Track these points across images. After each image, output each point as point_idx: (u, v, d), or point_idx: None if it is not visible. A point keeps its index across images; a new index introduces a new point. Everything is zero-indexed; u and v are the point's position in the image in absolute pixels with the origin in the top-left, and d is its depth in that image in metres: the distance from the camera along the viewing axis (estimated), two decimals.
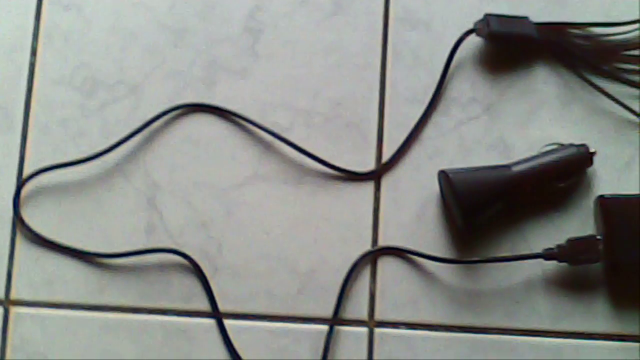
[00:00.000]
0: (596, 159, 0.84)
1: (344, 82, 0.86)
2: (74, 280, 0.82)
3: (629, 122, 0.85)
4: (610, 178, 0.84)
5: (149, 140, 0.85)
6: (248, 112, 0.86)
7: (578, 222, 0.83)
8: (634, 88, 0.86)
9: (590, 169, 0.84)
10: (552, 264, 0.82)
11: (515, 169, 0.81)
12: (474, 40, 0.87)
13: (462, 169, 0.81)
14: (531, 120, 0.85)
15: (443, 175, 0.81)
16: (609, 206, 0.81)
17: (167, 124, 0.86)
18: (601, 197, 0.82)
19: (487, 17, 0.85)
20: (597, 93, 0.86)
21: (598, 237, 0.80)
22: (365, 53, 0.87)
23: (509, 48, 0.87)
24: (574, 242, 0.80)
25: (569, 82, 0.86)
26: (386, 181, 0.85)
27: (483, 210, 0.80)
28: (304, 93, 0.86)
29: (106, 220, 0.84)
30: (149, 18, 0.88)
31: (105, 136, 0.85)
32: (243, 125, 0.86)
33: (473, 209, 0.80)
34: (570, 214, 0.83)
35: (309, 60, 0.87)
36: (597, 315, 0.81)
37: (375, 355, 0.80)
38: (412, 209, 0.84)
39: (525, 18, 0.86)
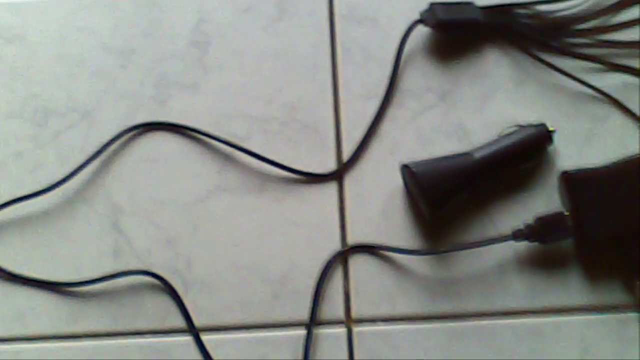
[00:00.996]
0: (556, 135, 0.84)
1: (296, 86, 0.86)
2: (46, 311, 0.82)
3: (584, 95, 0.86)
4: (572, 153, 0.85)
5: (107, 164, 0.85)
6: (203, 125, 0.86)
7: (544, 200, 0.84)
8: (585, 61, 0.86)
9: (551, 147, 0.83)
10: (522, 244, 0.82)
11: (477, 155, 0.82)
12: (421, 31, 0.87)
13: (423, 160, 0.81)
14: (487, 104, 0.86)
15: (405, 169, 0.81)
16: (573, 181, 0.81)
17: (124, 145, 0.86)
18: (564, 172, 0.82)
19: (432, 6, 0.86)
20: (550, 70, 0.86)
21: (566, 212, 0.79)
22: (315, 54, 0.87)
23: (457, 34, 0.87)
24: (542, 220, 0.81)
25: (521, 62, 0.87)
26: (349, 180, 0.85)
27: (448, 199, 0.81)
28: (258, 100, 0.86)
29: (72, 249, 0.83)
30: (94, 42, 0.88)
31: (62, 164, 0.85)
32: (200, 139, 0.86)
33: (438, 200, 0.80)
34: (535, 192, 0.84)
35: (259, 67, 0.87)
36: (572, 290, 0.82)
37: (355, 354, 0.80)
38: (377, 205, 0.84)
39: (470, 3, 0.86)
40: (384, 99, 0.86)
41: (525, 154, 0.83)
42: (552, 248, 0.83)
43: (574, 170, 0.82)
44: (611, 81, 0.87)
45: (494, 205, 0.84)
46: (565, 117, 0.86)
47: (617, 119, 0.86)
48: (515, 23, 0.87)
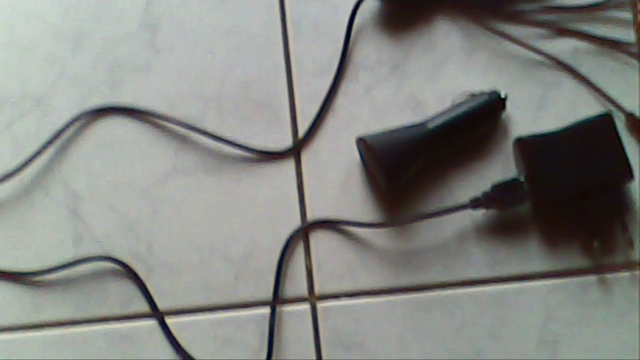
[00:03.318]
0: (509, 102, 0.86)
1: (249, 64, 0.87)
2: (8, 302, 0.82)
3: (536, 62, 0.87)
4: (525, 119, 0.86)
5: (62, 150, 0.85)
6: (158, 107, 0.86)
7: (500, 167, 0.85)
8: (535, 27, 0.86)
9: (504, 113, 0.84)
10: (481, 213, 0.82)
11: (431, 124, 0.82)
12: (371, 4, 0.88)
13: (378, 132, 0.82)
14: (439, 74, 0.86)
15: (361, 142, 0.82)
16: (526, 147, 0.83)
17: (78, 131, 0.86)
18: (518, 139, 0.83)
19: None
20: (501, 38, 0.86)
21: (521, 178, 0.80)
22: (266, 31, 0.88)
23: (407, 6, 0.88)
24: (498, 187, 0.82)
25: (471, 31, 0.87)
26: (306, 156, 0.85)
27: (405, 170, 0.81)
28: (211, 80, 0.87)
29: (32, 238, 0.83)
30: (43, 28, 0.87)
31: (17, 153, 0.85)
32: (155, 122, 0.86)
33: (395, 171, 0.81)
34: (491, 160, 0.85)
35: (211, 46, 0.87)
36: (532, 256, 0.83)
37: (321, 330, 0.81)
38: (335, 180, 0.84)
39: None
40: (337, 74, 0.87)
41: (479, 121, 0.85)
42: (510, 215, 0.84)
43: (527, 136, 0.83)
44: (562, 46, 0.88)
45: (451, 175, 0.85)
46: (517, 84, 0.87)
47: (569, 83, 0.87)
48: None
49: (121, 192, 0.85)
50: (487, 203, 0.82)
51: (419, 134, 0.82)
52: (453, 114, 0.83)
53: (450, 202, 0.84)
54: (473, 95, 0.84)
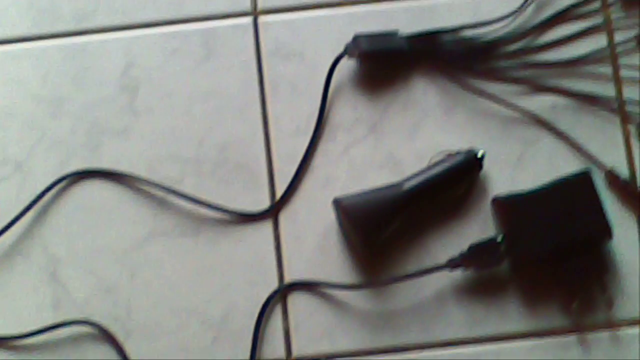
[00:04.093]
0: (487, 160, 0.85)
1: (227, 125, 0.87)
2: None
3: (514, 119, 0.87)
4: (504, 177, 0.86)
5: (42, 214, 0.86)
6: (136, 170, 0.87)
7: (479, 226, 0.85)
8: (512, 84, 0.86)
9: (483, 172, 0.84)
10: (459, 273, 0.81)
11: (406, 185, 0.82)
12: (349, 63, 0.87)
13: (353, 194, 0.82)
14: (417, 133, 0.86)
15: (336, 204, 0.82)
16: (504, 206, 0.82)
17: (58, 195, 0.86)
18: (495, 198, 0.83)
19: (356, 38, 0.87)
20: (478, 96, 0.86)
21: (498, 238, 0.80)
22: (244, 92, 0.88)
23: (384, 65, 0.87)
24: (475, 248, 0.82)
25: (449, 89, 0.87)
26: (284, 217, 0.85)
27: (381, 232, 0.82)
28: (189, 142, 0.87)
29: (11, 302, 0.84)
30: (23, 93, 0.88)
31: None
32: (134, 185, 0.86)
33: (370, 233, 0.81)
34: (470, 219, 0.85)
35: (189, 108, 0.88)
36: (511, 316, 0.82)
37: None
38: (313, 241, 0.84)
39: (394, 32, 0.86)
40: (314, 134, 0.87)
41: (455, 182, 0.84)
42: (488, 275, 0.84)
43: (504, 195, 0.83)
44: (540, 103, 0.87)
45: (430, 235, 0.84)
46: (495, 141, 0.86)
47: (548, 140, 0.87)
48: (441, 50, 0.87)
49: (100, 255, 0.85)
50: (465, 263, 0.82)
51: (395, 195, 0.82)
52: (429, 175, 0.83)
53: (428, 262, 0.84)
54: (450, 155, 0.83)
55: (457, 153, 0.84)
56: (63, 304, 0.85)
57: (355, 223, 0.81)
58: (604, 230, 0.82)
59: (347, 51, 0.87)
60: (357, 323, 0.83)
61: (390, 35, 0.87)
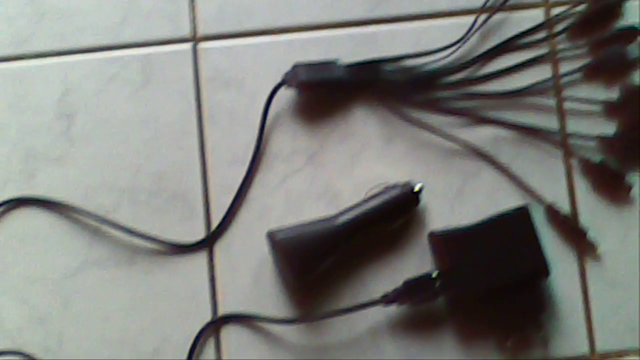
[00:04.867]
0: (426, 193, 0.84)
1: (164, 154, 0.86)
2: None
3: (455, 150, 0.85)
4: (443, 210, 0.84)
5: None
6: (72, 198, 0.86)
7: (416, 261, 0.84)
8: (453, 116, 0.85)
9: (422, 205, 0.83)
10: (394, 308, 0.80)
11: (340, 219, 0.81)
12: (288, 92, 0.86)
13: (288, 227, 0.81)
14: (355, 164, 0.85)
15: (270, 238, 0.81)
16: (440, 241, 0.81)
17: None
18: (431, 233, 0.82)
19: (295, 67, 0.85)
20: (418, 127, 0.84)
21: (433, 274, 0.79)
22: (181, 120, 0.87)
23: (323, 94, 0.86)
24: (409, 284, 0.81)
25: (389, 120, 0.86)
26: (219, 248, 0.84)
27: (313, 267, 0.81)
28: (125, 171, 0.86)
29: None
30: None
31: None
32: (68, 213, 0.84)
33: (303, 268, 0.81)
34: (407, 253, 0.84)
35: (126, 136, 0.87)
36: (446, 352, 0.83)
37: None
38: (248, 273, 0.84)
39: (334, 62, 0.85)
40: (251, 164, 0.86)
41: (391, 215, 0.83)
42: (424, 310, 0.82)
43: (441, 230, 0.82)
44: (482, 135, 0.86)
45: (366, 269, 0.84)
46: (435, 174, 0.85)
47: (488, 173, 0.86)
48: (381, 80, 0.85)
49: (33, 284, 0.84)
50: (399, 299, 0.81)
51: (329, 229, 0.82)
52: (364, 209, 0.82)
53: (364, 297, 0.83)
54: (387, 187, 0.82)
55: (395, 186, 0.82)
56: None
57: (288, 258, 0.80)
58: (541, 268, 0.81)
59: (285, 80, 0.85)
60: (291, 357, 0.83)
61: (329, 65, 0.86)
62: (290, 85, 0.86)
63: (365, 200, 0.83)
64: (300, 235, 0.81)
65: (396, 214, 0.84)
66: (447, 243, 0.82)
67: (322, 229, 0.82)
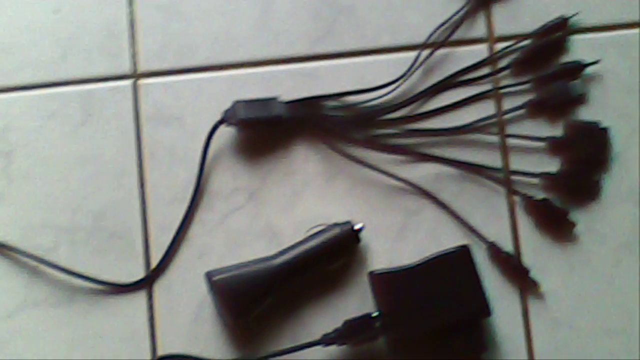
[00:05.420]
0: (368, 231, 0.83)
1: (103, 193, 0.85)
2: None
3: (396, 188, 0.85)
4: (384, 249, 0.84)
5: None
6: (10, 237, 0.85)
7: (357, 300, 0.83)
8: (395, 153, 0.84)
9: (363, 243, 0.82)
10: (335, 348, 0.80)
11: (279, 260, 0.81)
12: (229, 129, 0.85)
13: (226, 268, 0.80)
14: (296, 202, 0.84)
15: (208, 279, 0.80)
16: (380, 281, 0.81)
17: None
18: (371, 273, 0.81)
19: (235, 104, 0.85)
20: (360, 164, 0.84)
21: (374, 314, 0.78)
22: (121, 158, 0.86)
23: (263, 132, 0.85)
24: (349, 324, 0.81)
25: (331, 157, 0.85)
26: (158, 288, 0.84)
27: (251, 308, 0.81)
28: (64, 210, 0.85)
29: None
30: None
31: None
32: (6, 253, 0.84)
33: (241, 310, 0.81)
34: (348, 293, 0.83)
35: (65, 174, 0.86)
36: None
37: None
38: (188, 313, 0.83)
39: (274, 98, 0.84)
40: (191, 202, 0.84)
41: (331, 255, 0.82)
42: (365, 350, 0.82)
43: (381, 270, 0.81)
44: (424, 172, 0.86)
45: (306, 309, 0.83)
46: (377, 212, 0.85)
47: (430, 212, 0.85)
48: (322, 117, 0.84)
49: None
50: (339, 339, 0.81)
51: (268, 269, 0.81)
52: (303, 249, 0.82)
53: (305, 337, 0.82)
54: (327, 226, 0.81)
55: (335, 225, 0.81)
56: None
57: (226, 299, 0.80)
58: (482, 308, 0.81)
59: (225, 118, 0.84)
60: None
61: (270, 101, 0.85)
62: (230, 123, 0.85)
63: (305, 240, 0.82)
64: (238, 276, 0.81)
65: (336, 253, 0.83)
66: (387, 283, 0.81)
67: (261, 269, 0.81)
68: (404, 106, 0.88)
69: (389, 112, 0.87)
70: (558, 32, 0.88)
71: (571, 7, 0.90)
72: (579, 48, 0.90)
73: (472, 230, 0.85)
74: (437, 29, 0.89)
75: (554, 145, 0.86)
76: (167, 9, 0.91)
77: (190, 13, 0.91)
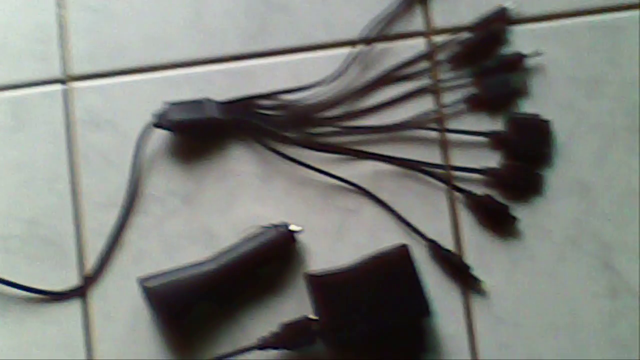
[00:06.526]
0: (306, 232, 0.82)
1: (35, 199, 0.84)
2: None
3: (334, 187, 0.84)
4: (323, 250, 0.83)
5: None
6: None
7: (296, 302, 0.82)
8: (331, 152, 0.83)
9: (302, 244, 0.81)
10: (273, 352, 0.78)
11: (214, 263, 0.81)
12: (163, 132, 0.83)
13: (159, 273, 0.79)
14: (232, 204, 0.83)
15: (140, 285, 0.79)
16: (317, 283, 0.80)
17: None
18: (307, 275, 0.80)
19: (166, 106, 0.83)
20: (297, 164, 0.82)
21: (311, 316, 0.77)
22: (53, 164, 0.85)
23: (197, 134, 0.84)
24: (286, 327, 0.80)
25: (267, 158, 0.84)
26: (94, 295, 0.83)
27: (185, 313, 0.79)
28: None
29: None
30: None
31: None
32: None
33: (175, 315, 0.79)
34: (286, 295, 0.82)
35: None
36: None
37: None
38: (124, 320, 0.82)
39: (208, 100, 0.83)
40: (126, 207, 0.83)
41: (267, 257, 0.82)
42: (304, 354, 0.80)
43: (317, 272, 0.80)
44: (362, 170, 0.84)
45: (244, 312, 0.82)
46: (314, 211, 0.84)
47: (369, 210, 0.84)
48: (256, 117, 0.83)
49: None
50: (276, 343, 0.80)
51: (201, 274, 0.81)
52: (238, 251, 0.81)
53: (243, 341, 0.81)
54: (263, 228, 0.80)
55: (271, 226, 0.80)
56: None
57: (159, 305, 0.79)
58: (422, 308, 0.79)
59: (156, 121, 0.83)
60: None
61: (203, 103, 0.84)
62: (162, 126, 0.83)
63: (240, 243, 0.81)
64: (172, 281, 0.80)
65: (273, 255, 0.82)
66: (324, 284, 0.80)
67: (195, 274, 0.80)
68: (341, 103, 0.87)
69: (325, 110, 0.86)
70: (497, 23, 0.86)
71: None
72: (520, 39, 0.88)
73: (412, 228, 0.84)
74: (373, 23, 0.87)
75: (495, 140, 0.85)
76: (98, 11, 0.90)
77: (121, 14, 0.90)
